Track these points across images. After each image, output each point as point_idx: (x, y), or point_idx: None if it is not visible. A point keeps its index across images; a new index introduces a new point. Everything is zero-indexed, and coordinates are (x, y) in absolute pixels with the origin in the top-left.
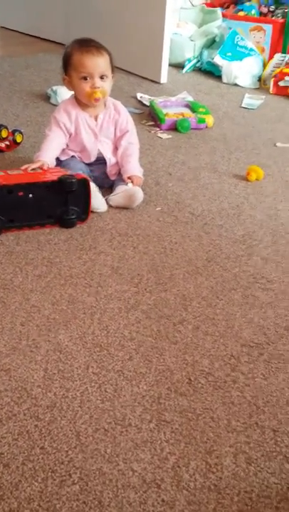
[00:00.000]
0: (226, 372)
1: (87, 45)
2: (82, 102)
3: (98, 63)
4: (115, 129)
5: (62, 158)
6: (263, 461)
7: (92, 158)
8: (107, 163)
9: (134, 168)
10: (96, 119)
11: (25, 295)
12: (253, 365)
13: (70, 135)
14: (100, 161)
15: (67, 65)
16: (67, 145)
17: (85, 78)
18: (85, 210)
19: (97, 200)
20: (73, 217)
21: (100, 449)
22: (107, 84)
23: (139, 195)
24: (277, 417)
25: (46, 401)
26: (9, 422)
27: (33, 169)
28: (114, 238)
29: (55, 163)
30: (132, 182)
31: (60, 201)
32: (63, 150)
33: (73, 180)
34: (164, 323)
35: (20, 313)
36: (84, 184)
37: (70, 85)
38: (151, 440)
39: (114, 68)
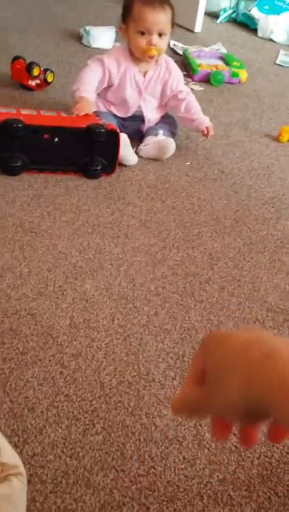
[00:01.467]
0: None
1: None
2: (134, 54)
3: (159, 19)
4: (163, 89)
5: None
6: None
7: (129, 113)
8: (145, 122)
9: (205, 119)
10: (144, 75)
11: (52, 240)
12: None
13: (111, 86)
14: (136, 118)
15: (126, 14)
16: (106, 96)
17: (143, 33)
18: (111, 162)
19: (128, 153)
20: (98, 168)
21: (124, 402)
22: (164, 42)
23: (171, 146)
24: None
25: (71, 349)
26: (34, 366)
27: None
28: (143, 190)
29: (95, 97)
30: (207, 133)
31: (87, 150)
32: (100, 101)
33: (102, 130)
34: (190, 281)
35: (47, 258)
36: (113, 136)
37: (126, 35)
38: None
39: (174, 24)
